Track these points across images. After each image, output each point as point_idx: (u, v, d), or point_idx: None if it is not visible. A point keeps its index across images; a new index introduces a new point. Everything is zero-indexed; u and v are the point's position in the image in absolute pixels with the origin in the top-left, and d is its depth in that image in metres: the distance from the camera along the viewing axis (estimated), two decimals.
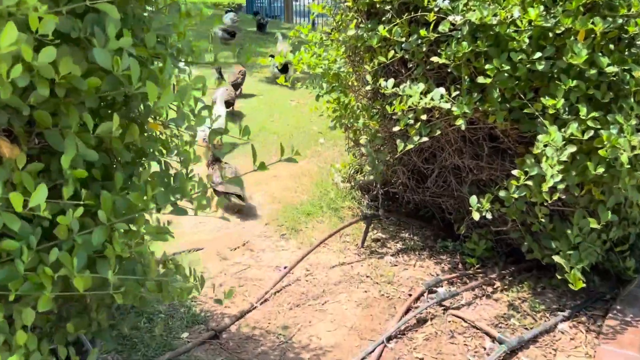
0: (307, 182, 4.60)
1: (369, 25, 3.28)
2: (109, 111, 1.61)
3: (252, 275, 3.25)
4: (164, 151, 1.93)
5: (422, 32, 2.78)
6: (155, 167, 1.85)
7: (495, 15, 2.55)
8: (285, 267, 3.25)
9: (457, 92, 2.75)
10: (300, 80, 3.82)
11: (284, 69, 7.08)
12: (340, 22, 3.66)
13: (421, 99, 2.75)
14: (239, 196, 4.06)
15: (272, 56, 7.39)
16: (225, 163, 4.43)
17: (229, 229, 3.85)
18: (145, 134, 1.76)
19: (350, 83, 3.74)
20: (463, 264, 3.39)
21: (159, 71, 1.42)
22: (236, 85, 7.16)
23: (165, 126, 1.71)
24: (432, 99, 2.74)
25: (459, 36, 2.74)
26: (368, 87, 3.29)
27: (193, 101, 1.80)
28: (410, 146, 2.92)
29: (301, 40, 3.96)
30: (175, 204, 1.71)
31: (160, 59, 1.59)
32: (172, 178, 1.75)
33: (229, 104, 6.35)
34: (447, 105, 2.71)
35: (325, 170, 4.81)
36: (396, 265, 3.38)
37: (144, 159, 1.84)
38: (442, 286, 3.09)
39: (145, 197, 1.54)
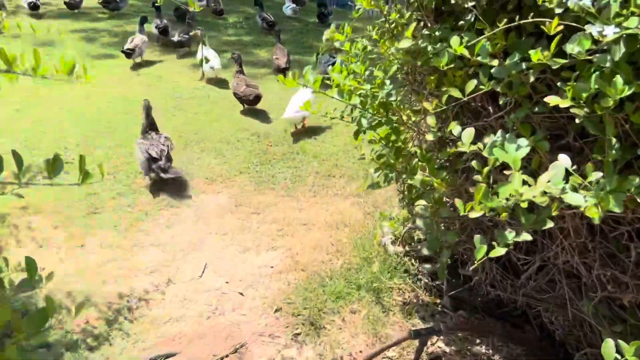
0: (345, 237, 3.39)
1: (437, 33, 2.02)
2: None
3: None
4: None
5: (536, 54, 1.48)
6: None
7: None
8: None
9: (600, 174, 1.43)
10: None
11: None
12: (394, 25, 2.40)
13: (527, 186, 1.46)
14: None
15: (318, 54, 6.27)
16: (160, 134, 4.19)
17: (224, 316, 2.73)
18: None
19: (404, 117, 2.48)
20: None
21: None
22: (283, 70, 6.39)
23: None
24: (549, 183, 1.45)
25: (606, 63, 1.43)
26: (430, 137, 2.03)
27: None
28: (500, 252, 1.64)
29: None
30: None
31: None
32: None
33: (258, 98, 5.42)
34: (577, 200, 1.41)
35: (372, 219, 3.58)
36: None
37: None
38: None
39: None
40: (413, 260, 3.07)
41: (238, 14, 10.08)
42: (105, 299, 2.79)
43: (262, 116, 5.45)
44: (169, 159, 4.00)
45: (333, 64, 5.99)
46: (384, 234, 3.28)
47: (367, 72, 2.42)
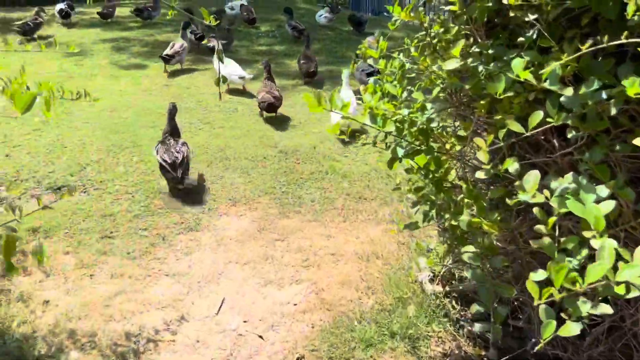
0: (377, 272, 3.06)
1: (490, 51, 1.69)
2: None
3: None
4: None
5: (633, 86, 1.14)
6: None
7: None
8: None
9: None
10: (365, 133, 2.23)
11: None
12: (437, 40, 2.07)
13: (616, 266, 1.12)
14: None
15: (358, 56, 5.96)
16: (178, 140, 4.00)
17: None
18: None
19: (448, 146, 2.14)
20: None
21: None
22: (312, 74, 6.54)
23: None
24: None
25: None
26: (481, 175, 1.69)
27: None
28: (573, 330, 1.30)
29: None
30: None
31: None
32: None
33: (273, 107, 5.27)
34: None
35: (408, 251, 3.24)
36: None
37: None
38: None
39: None
40: (454, 302, 2.72)
41: (271, 22, 9.87)
42: (111, 339, 2.54)
43: (290, 131, 5.18)
44: (186, 167, 3.86)
45: (370, 73, 5.65)
46: (420, 270, 2.94)
47: (404, 94, 2.10)
